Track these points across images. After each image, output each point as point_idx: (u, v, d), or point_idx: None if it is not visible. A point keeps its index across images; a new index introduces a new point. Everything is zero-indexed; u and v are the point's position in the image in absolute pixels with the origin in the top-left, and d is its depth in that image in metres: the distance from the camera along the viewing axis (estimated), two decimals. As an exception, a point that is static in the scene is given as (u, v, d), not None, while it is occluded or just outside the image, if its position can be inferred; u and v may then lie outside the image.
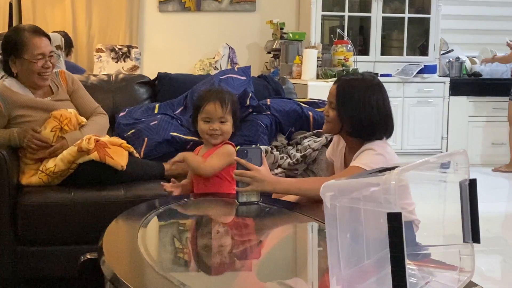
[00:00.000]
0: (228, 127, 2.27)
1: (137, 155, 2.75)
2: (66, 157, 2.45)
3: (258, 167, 1.97)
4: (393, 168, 1.06)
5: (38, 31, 2.63)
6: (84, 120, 2.71)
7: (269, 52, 5.63)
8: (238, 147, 2.06)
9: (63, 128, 2.54)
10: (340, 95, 2.04)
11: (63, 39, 4.43)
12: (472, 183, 1.22)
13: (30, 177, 2.51)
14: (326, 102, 2.14)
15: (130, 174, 2.56)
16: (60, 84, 2.77)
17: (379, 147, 1.99)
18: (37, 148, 2.50)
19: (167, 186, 2.22)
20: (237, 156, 1.99)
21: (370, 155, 1.97)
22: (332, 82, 2.15)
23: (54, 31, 4.84)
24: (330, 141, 2.65)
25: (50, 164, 2.49)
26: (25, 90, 2.65)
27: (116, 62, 5.27)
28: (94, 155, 2.44)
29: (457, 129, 5.55)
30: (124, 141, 2.69)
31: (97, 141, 2.49)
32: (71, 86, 2.81)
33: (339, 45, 5.07)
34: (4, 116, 2.57)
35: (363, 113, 2.00)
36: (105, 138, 2.61)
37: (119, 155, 2.53)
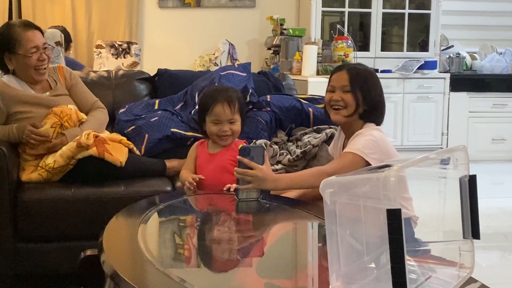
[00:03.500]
0: (238, 126, 2.27)
1: (137, 152, 2.75)
2: (66, 153, 2.45)
3: (260, 165, 1.97)
4: (392, 164, 1.06)
5: (29, 25, 2.62)
6: (84, 116, 2.70)
7: (269, 48, 5.62)
8: (240, 145, 2.06)
9: (63, 125, 2.54)
10: (354, 78, 2.10)
11: (62, 35, 4.42)
12: (472, 179, 1.22)
13: (30, 174, 2.51)
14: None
15: (131, 171, 2.56)
16: (58, 79, 2.76)
17: (370, 132, 2.05)
18: (36, 143, 2.50)
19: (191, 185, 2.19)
20: (239, 155, 1.99)
21: (360, 140, 2.02)
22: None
23: (52, 26, 4.83)
24: (331, 137, 2.65)
25: (50, 160, 2.48)
26: (23, 86, 2.65)
27: (116, 59, 5.26)
28: (93, 151, 2.43)
29: (457, 125, 5.54)
30: (124, 138, 2.69)
31: (96, 136, 2.49)
32: (69, 81, 2.80)
33: (339, 41, 5.06)
34: (3, 112, 2.57)
35: (376, 94, 2.11)
36: (105, 134, 2.61)
37: (118, 151, 2.53)
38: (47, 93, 2.69)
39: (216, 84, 2.94)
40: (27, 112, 2.58)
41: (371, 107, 2.10)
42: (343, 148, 2.18)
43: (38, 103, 2.62)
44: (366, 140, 2.00)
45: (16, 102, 2.58)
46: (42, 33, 2.69)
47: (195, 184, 2.17)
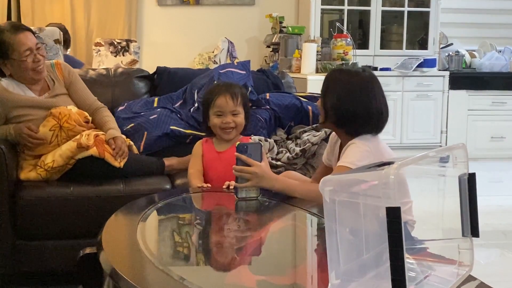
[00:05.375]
0: (241, 119, 2.27)
1: (136, 151, 2.75)
2: (65, 153, 2.45)
3: (258, 162, 1.97)
4: (392, 162, 1.06)
5: (18, 28, 2.57)
6: (87, 114, 2.69)
7: (268, 46, 5.61)
8: (238, 142, 2.06)
9: (62, 126, 2.52)
10: (325, 84, 2.05)
11: (61, 33, 4.41)
12: (471, 177, 1.22)
13: (29, 172, 2.51)
14: None
15: (129, 171, 2.56)
16: (56, 78, 2.73)
17: (363, 142, 1.97)
18: (33, 146, 2.50)
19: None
20: (236, 152, 1.98)
21: (354, 152, 1.94)
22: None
23: (50, 23, 4.82)
24: (330, 135, 2.65)
25: (49, 159, 2.48)
26: (22, 88, 2.62)
27: (115, 56, 5.25)
28: (93, 151, 2.43)
29: (457, 123, 5.54)
30: (123, 136, 2.70)
31: (96, 136, 2.49)
32: (68, 78, 2.77)
33: (339, 39, 5.05)
34: (1, 117, 2.56)
35: (345, 103, 1.98)
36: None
37: None
38: (46, 95, 2.67)
39: (215, 82, 2.94)
40: (26, 115, 2.57)
41: (339, 115, 1.99)
42: (339, 156, 2.13)
43: (37, 106, 2.60)
44: (359, 151, 1.94)
45: (14, 107, 2.56)
46: (33, 33, 2.65)
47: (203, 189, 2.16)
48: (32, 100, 2.61)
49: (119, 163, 2.49)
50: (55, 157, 2.46)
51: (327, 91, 2.04)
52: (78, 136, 2.47)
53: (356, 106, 1.97)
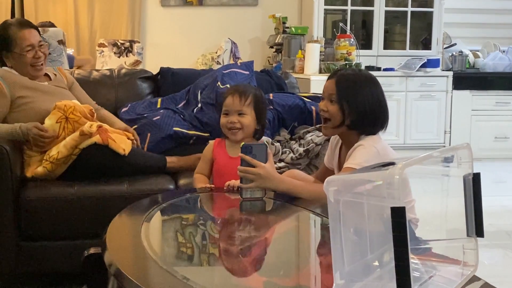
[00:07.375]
0: (247, 120, 2.23)
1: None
2: (69, 143, 2.46)
3: (263, 163, 1.96)
4: (396, 162, 1.06)
5: (24, 24, 2.72)
6: (92, 107, 2.72)
7: (271, 47, 5.61)
8: (242, 143, 2.05)
9: (68, 118, 2.54)
10: (341, 87, 2.01)
11: (65, 34, 4.42)
12: (476, 177, 1.22)
13: (35, 169, 2.52)
14: None
15: (132, 163, 2.56)
16: (59, 75, 2.85)
17: (371, 143, 1.97)
18: (45, 145, 2.52)
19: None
20: (241, 153, 1.97)
21: (362, 153, 1.94)
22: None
23: (39, 23, 4.81)
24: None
25: (54, 151, 2.49)
26: (23, 78, 2.71)
27: (119, 57, 5.26)
28: (97, 138, 2.44)
29: (460, 123, 5.53)
30: (130, 133, 2.73)
31: (100, 126, 2.50)
32: (70, 79, 2.90)
33: (342, 39, 5.05)
34: (7, 98, 2.59)
35: (366, 103, 1.99)
36: (109, 127, 2.63)
37: (121, 140, 2.54)
38: (47, 83, 2.77)
39: (219, 82, 2.94)
40: (29, 97, 2.64)
41: (360, 117, 1.98)
42: (340, 157, 2.13)
43: (40, 89, 2.69)
44: (367, 152, 1.93)
45: (19, 87, 2.64)
46: (39, 31, 2.77)
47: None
48: (35, 83, 2.71)
49: (123, 150, 2.49)
50: (59, 149, 2.47)
51: (346, 93, 2.00)
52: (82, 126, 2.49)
53: (375, 105, 2.00)
